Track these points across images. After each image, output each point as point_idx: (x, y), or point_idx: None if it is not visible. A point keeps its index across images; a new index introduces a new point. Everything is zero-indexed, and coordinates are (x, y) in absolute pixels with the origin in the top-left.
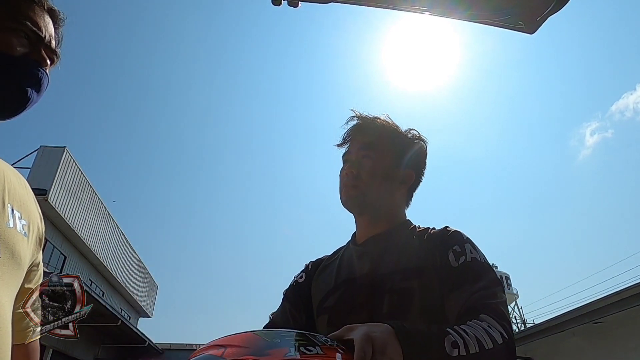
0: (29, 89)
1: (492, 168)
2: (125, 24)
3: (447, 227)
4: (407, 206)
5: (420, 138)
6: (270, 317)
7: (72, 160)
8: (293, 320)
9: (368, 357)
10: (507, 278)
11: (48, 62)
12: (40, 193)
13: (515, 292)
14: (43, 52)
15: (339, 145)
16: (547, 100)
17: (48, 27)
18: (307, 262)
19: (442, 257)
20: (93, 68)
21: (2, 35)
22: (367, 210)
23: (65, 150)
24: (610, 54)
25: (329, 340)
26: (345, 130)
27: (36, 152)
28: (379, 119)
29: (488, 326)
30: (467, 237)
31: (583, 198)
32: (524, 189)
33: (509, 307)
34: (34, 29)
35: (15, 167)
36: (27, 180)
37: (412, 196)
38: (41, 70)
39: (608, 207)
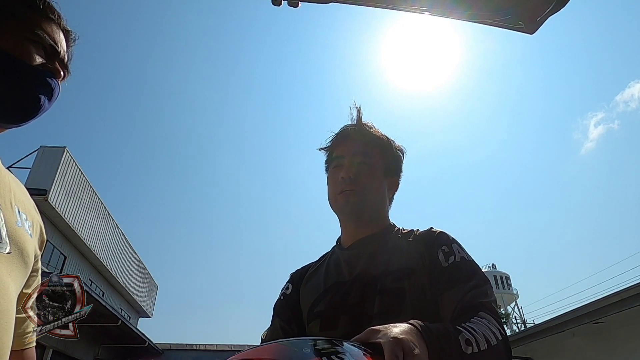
0: (42, 97)
1: (492, 167)
2: (124, 25)
3: (431, 228)
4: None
5: (400, 148)
6: (262, 339)
7: (72, 160)
8: (284, 335)
9: None
10: (507, 278)
11: (61, 74)
12: (40, 193)
13: (515, 292)
14: (57, 65)
15: (325, 149)
16: (549, 95)
17: (62, 44)
18: (292, 272)
19: (431, 257)
20: (93, 69)
21: (22, 44)
22: (363, 216)
23: (65, 150)
24: (614, 43)
25: (355, 345)
26: (334, 135)
27: (36, 152)
28: (367, 125)
29: (488, 323)
30: (453, 237)
31: (584, 196)
32: (524, 189)
33: (509, 307)
34: (51, 42)
35: (15, 167)
36: (27, 180)
37: (392, 201)
38: (54, 80)
39: (609, 206)
